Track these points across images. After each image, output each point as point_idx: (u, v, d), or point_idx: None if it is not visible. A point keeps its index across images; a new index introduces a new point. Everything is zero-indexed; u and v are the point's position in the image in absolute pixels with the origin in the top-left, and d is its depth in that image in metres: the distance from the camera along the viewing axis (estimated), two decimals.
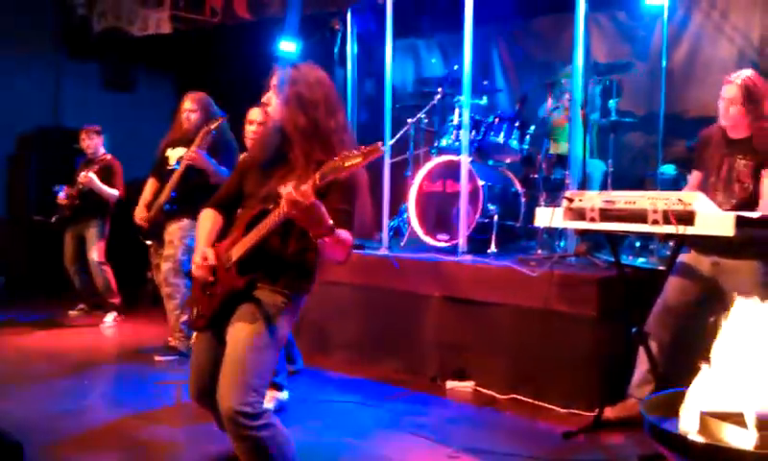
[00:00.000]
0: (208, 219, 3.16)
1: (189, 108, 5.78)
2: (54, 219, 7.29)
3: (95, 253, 7.15)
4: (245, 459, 2.83)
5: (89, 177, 7.05)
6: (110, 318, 7.14)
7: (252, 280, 2.92)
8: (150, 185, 5.99)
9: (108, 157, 7.39)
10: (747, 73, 4.03)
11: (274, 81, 3.01)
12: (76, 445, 3.99)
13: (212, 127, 5.53)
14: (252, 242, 2.84)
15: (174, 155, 5.84)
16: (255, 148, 3.38)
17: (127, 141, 8.89)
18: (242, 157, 4.62)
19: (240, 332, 2.87)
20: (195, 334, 3.27)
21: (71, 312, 7.39)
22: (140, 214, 5.83)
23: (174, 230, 5.71)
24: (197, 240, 3.13)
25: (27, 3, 8.96)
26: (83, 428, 4.26)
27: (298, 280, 3.00)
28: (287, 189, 2.55)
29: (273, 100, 3.01)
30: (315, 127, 2.92)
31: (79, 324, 7.13)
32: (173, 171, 5.71)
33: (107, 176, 7.21)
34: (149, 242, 5.99)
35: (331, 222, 2.65)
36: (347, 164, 2.49)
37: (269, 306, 2.91)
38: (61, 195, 7.17)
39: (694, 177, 4.26)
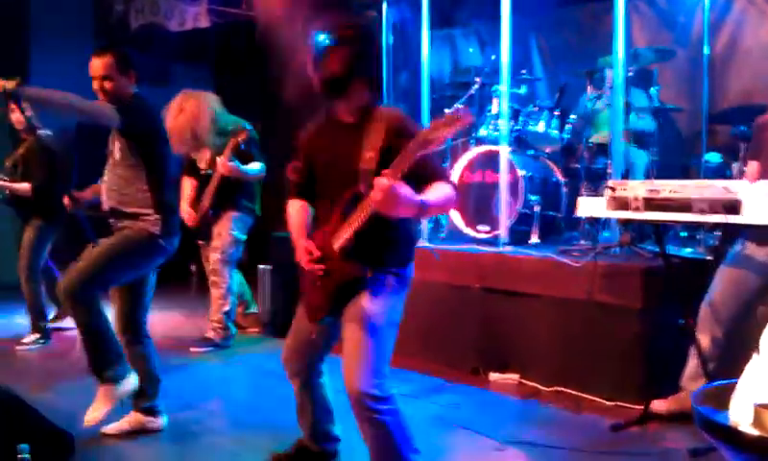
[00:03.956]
0: (297, 211, 3.13)
1: None
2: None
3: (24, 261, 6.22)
4: (370, 443, 2.85)
5: None
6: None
7: (363, 266, 2.88)
8: (188, 185, 6.14)
9: (34, 136, 6.11)
10: None
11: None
12: (122, 436, 4.03)
13: (240, 140, 5.73)
14: (354, 229, 2.79)
15: (200, 157, 6.03)
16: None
17: None
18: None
19: (359, 317, 2.87)
20: (299, 314, 3.19)
21: None
22: (189, 216, 5.96)
23: (222, 223, 5.97)
24: (292, 234, 3.09)
25: (65, 2, 9.04)
26: None
27: (401, 252, 3.00)
28: (380, 182, 2.54)
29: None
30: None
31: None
32: (208, 176, 5.94)
33: (28, 161, 6.19)
34: (200, 242, 6.22)
35: (419, 198, 2.64)
36: (432, 137, 2.50)
37: (382, 288, 2.91)
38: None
39: (752, 166, 4.05)
